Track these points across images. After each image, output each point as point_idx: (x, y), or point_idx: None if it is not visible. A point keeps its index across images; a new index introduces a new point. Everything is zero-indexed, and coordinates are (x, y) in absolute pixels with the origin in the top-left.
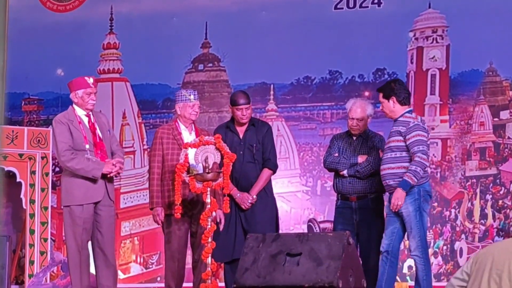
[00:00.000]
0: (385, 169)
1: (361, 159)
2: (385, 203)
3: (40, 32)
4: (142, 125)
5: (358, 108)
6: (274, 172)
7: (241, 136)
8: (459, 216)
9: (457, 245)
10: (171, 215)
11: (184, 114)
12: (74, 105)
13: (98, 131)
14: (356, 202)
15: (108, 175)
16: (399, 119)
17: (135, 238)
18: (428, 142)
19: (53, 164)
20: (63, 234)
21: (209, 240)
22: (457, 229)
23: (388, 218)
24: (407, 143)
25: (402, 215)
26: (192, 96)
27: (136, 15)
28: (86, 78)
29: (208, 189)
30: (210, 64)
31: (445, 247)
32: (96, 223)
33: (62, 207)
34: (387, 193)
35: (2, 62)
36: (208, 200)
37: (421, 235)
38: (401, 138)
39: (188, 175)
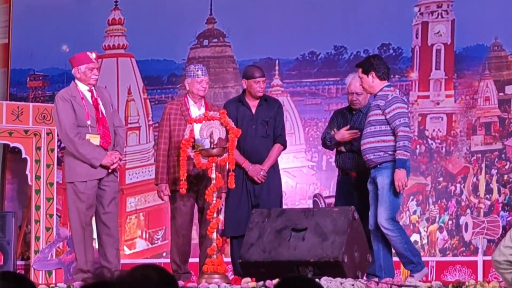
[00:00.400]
0: (365, 143)
1: (333, 132)
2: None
3: (45, 8)
4: (147, 100)
5: (358, 82)
6: (285, 148)
7: (253, 111)
8: (464, 191)
9: (462, 219)
10: (177, 191)
11: (192, 89)
12: (76, 81)
13: (101, 106)
14: (356, 177)
15: (108, 169)
16: (378, 93)
17: (141, 213)
18: (409, 114)
19: (58, 140)
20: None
21: (214, 215)
22: (462, 204)
23: (371, 195)
24: (387, 116)
25: (377, 186)
26: (200, 72)
27: None
28: (88, 53)
29: (213, 164)
30: (215, 40)
31: (450, 222)
32: (100, 198)
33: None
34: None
35: (7, 39)
36: (213, 176)
37: (392, 208)
38: (380, 111)
39: (193, 151)
